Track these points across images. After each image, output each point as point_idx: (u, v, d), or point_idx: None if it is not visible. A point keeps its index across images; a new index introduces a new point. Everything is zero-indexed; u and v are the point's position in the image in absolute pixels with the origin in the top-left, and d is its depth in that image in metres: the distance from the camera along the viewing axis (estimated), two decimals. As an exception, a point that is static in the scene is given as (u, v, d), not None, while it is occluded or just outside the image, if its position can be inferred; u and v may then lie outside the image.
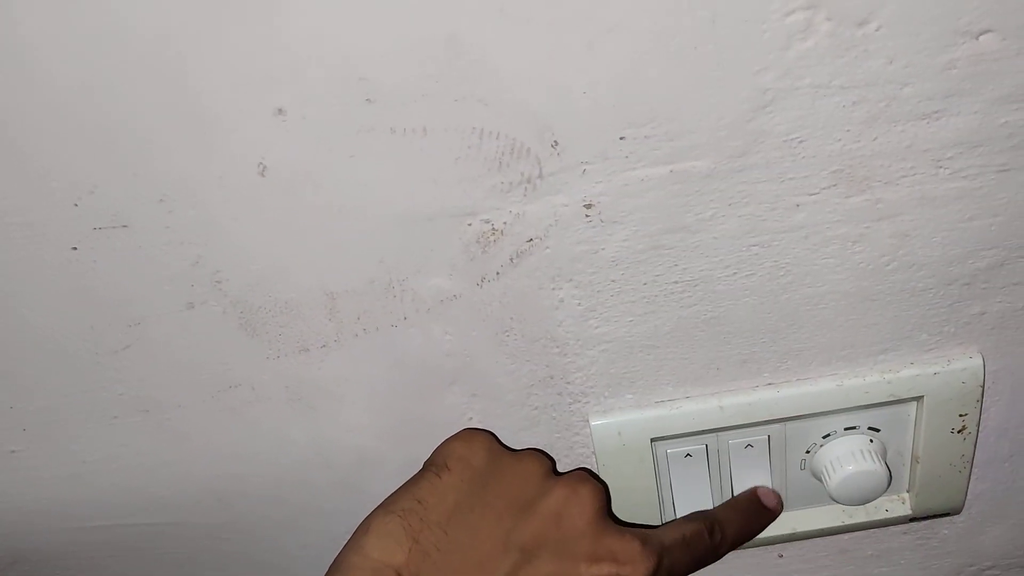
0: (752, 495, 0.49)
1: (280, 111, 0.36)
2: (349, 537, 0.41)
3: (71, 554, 0.54)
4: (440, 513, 0.41)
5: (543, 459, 0.44)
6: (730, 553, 0.53)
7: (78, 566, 0.55)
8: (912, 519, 0.51)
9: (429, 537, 0.40)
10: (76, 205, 0.39)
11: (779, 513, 0.50)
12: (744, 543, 0.49)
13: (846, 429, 0.47)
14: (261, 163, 0.38)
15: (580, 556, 0.40)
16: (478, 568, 0.40)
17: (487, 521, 0.41)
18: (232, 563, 0.55)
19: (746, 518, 0.48)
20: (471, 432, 0.45)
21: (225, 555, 0.54)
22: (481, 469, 0.43)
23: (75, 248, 0.41)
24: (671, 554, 0.42)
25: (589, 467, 0.50)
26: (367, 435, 0.47)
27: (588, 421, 0.47)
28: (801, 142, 0.38)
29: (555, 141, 0.37)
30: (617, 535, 0.41)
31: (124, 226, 0.40)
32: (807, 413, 0.46)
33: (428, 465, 0.44)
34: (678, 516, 0.49)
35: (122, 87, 0.36)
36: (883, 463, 0.47)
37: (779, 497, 0.50)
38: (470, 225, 0.40)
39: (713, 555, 0.46)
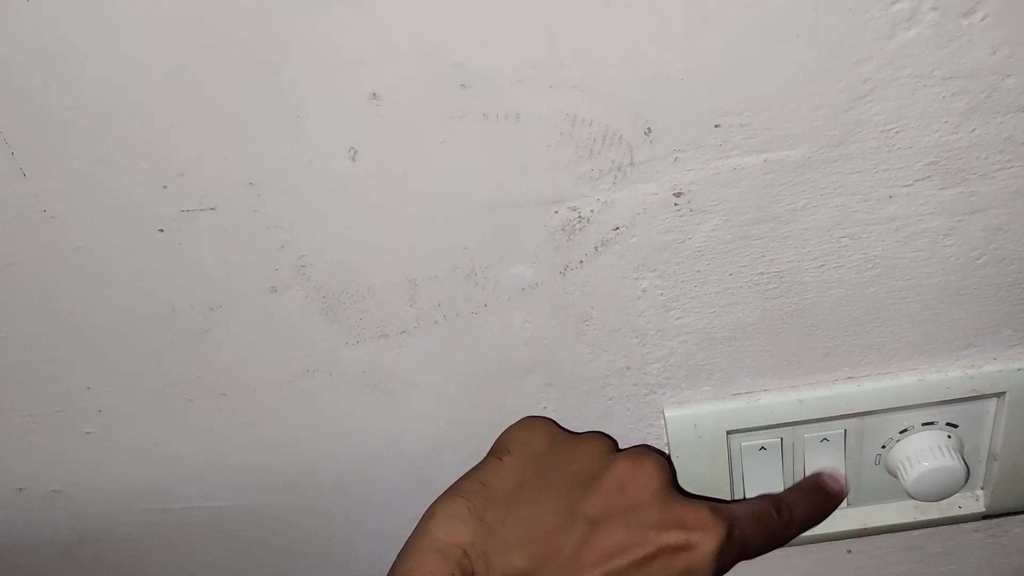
0: (814, 481, 0.48)
1: (374, 95, 0.36)
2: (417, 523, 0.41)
3: (140, 535, 0.54)
4: (504, 492, 0.42)
5: (605, 439, 0.44)
6: (799, 548, 0.52)
7: (146, 547, 0.55)
8: (985, 516, 0.51)
9: (494, 515, 0.41)
10: (165, 187, 0.39)
11: (843, 497, 0.49)
12: (812, 527, 0.47)
13: (923, 424, 0.47)
14: (352, 148, 0.38)
15: (648, 525, 0.40)
16: (546, 539, 0.40)
17: (551, 496, 0.41)
18: (300, 546, 0.55)
19: (812, 502, 0.47)
20: (532, 419, 0.46)
21: (293, 538, 0.54)
22: (542, 452, 0.44)
23: (162, 230, 0.41)
24: (742, 526, 0.42)
25: (662, 458, 0.49)
26: (441, 423, 0.47)
27: (663, 412, 0.47)
28: (898, 132, 0.37)
29: (648, 128, 0.37)
30: (686, 504, 0.41)
31: (212, 209, 0.40)
32: (885, 408, 0.46)
33: (490, 452, 0.44)
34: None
35: (214, 70, 0.36)
36: (961, 459, 0.46)
37: (841, 481, 0.48)
38: (556, 212, 0.40)
39: (784, 533, 0.45)
